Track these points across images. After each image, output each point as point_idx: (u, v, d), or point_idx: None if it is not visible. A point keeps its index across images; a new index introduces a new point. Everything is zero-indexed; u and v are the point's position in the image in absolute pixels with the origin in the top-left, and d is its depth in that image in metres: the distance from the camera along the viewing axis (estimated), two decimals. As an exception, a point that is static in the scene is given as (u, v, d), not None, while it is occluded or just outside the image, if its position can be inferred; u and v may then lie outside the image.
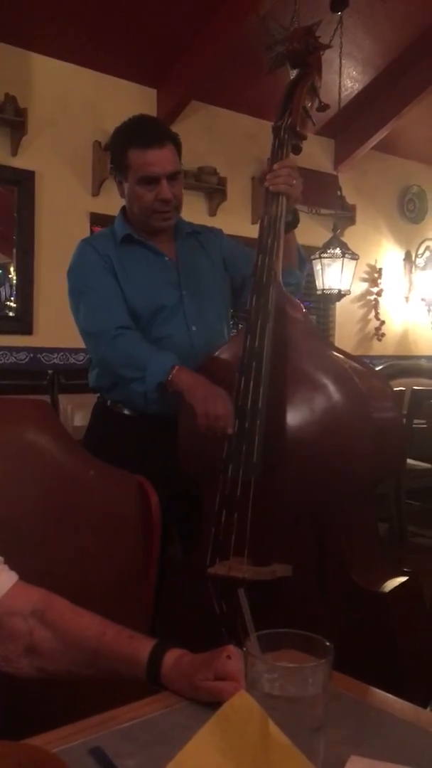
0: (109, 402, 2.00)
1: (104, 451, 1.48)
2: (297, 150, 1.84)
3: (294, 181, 1.77)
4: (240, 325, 1.84)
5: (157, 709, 0.86)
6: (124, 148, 1.92)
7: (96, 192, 4.43)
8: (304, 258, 2.07)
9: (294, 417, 1.62)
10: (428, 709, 1.26)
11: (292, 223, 1.89)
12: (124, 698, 0.88)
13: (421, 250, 6.27)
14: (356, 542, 1.63)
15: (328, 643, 0.72)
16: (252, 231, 1.82)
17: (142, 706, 0.87)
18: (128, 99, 4.49)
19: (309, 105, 1.87)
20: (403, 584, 1.61)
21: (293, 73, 1.88)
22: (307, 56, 1.85)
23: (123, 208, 2.05)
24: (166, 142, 1.90)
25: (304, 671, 0.69)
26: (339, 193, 5.35)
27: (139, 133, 1.91)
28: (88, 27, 4.06)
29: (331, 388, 1.60)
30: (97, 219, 4.34)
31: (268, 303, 1.69)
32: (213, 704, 0.80)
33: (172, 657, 0.91)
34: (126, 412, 1.96)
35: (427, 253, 6.22)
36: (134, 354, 1.83)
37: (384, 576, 1.63)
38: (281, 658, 0.73)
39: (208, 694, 0.84)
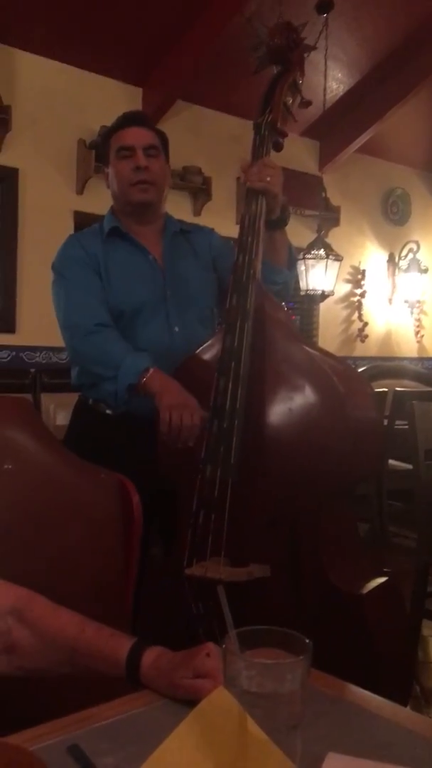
0: (90, 401, 1.98)
1: (85, 450, 1.47)
2: (278, 147, 1.84)
3: (269, 177, 1.76)
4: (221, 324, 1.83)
5: (136, 706, 0.86)
6: (108, 137, 2.01)
7: (80, 190, 4.41)
8: (294, 258, 2.05)
9: (272, 417, 1.61)
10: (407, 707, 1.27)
11: (282, 221, 1.88)
12: (103, 696, 0.88)
13: (404, 252, 6.30)
14: (334, 543, 1.63)
15: (306, 640, 0.72)
16: (236, 231, 1.81)
17: (120, 704, 0.87)
18: (113, 97, 4.48)
19: (290, 101, 1.87)
20: (381, 585, 1.61)
21: (276, 70, 1.87)
22: (289, 52, 1.84)
23: (112, 207, 2.05)
24: (145, 125, 2.01)
25: (282, 668, 0.69)
26: (323, 194, 5.37)
27: (119, 120, 2.01)
28: (74, 24, 4.05)
29: (310, 388, 1.59)
30: (81, 217, 4.32)
31: (247, 302, 1.68)
32: (192, 702, 0.80)
33: (151, 655, 0.91)
34: (107, 411, 1.95)
35: (410, 255, 6.26)
36: (109, 351, 1.82)
37: (362, 577, 1.63)
38: (260, 656, 0.73)
39: (186, 691, 0.85)
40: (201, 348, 1.82)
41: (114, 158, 1.96)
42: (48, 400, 3.89)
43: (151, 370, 1.75)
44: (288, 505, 1.61)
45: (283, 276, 1.96)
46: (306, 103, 1.90)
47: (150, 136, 1.98)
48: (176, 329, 1.94)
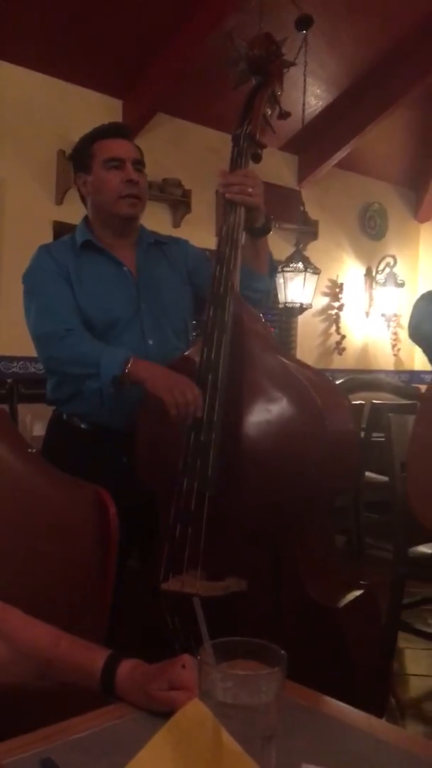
0: (65, 415, 1.97)
1: (61, 464, 1.46)
2: (257, 158, 1.84)
3: (250, 189, 1.75)
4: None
5: (110, 719, 0.86)
6: (89, 144, 1.98)
7: (59, 201, 4.41)
8: (275, 266, 2.05)
9: (250, 430, 1.60)
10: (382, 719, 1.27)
11: (264, 230, 1.87)
12: (77, 709, 0.87)
13: (381, 266, 6.36)
14: (312, 556, 1.63)
15: (281, 652, 0.72)
16: (215, 243, 1.82)
17: (94, 717, 0.86)
18: (94, 109, 4.49)
19: (269, 113, 1.86)
20: (357, 598, 1.61)
21: (255, 81, 1.87)
22: (268, 63, 1.83)
23: (85, 217, 2.04)
24: (130, 139, 2.01)
25: (258, 679, 0.69)
26: (302, 208, 5.42)
27: (105, 129, 1.99)
28: (55, 36, 4.06)
29: (287, 400, 1.59)
30: (60, 227, 4.32)
31: (225, 314, 1.67)
32: (167, 714, 0.80)
33: (126, 667, 0.90)
34: (83, 426, 1.94)
35: (387, 270, 6.32)
36: (85, 351, 1.80)
37: (339, 590, 1.63)
38: (235, 667, 0.73)
39: (162, 703, 0.84)
40: (179, 358, 1.81)
41: (101, 168, 1.93)
42: (25, 411, 3.86)
43: (133, 359, 1.73)
44: (265, 518, 1.60)
45: (265, 284, 1.96)
46: (285, 114, 1.89)
47: (136, 151, 1.98)
48: (150, 342, 1.92)
